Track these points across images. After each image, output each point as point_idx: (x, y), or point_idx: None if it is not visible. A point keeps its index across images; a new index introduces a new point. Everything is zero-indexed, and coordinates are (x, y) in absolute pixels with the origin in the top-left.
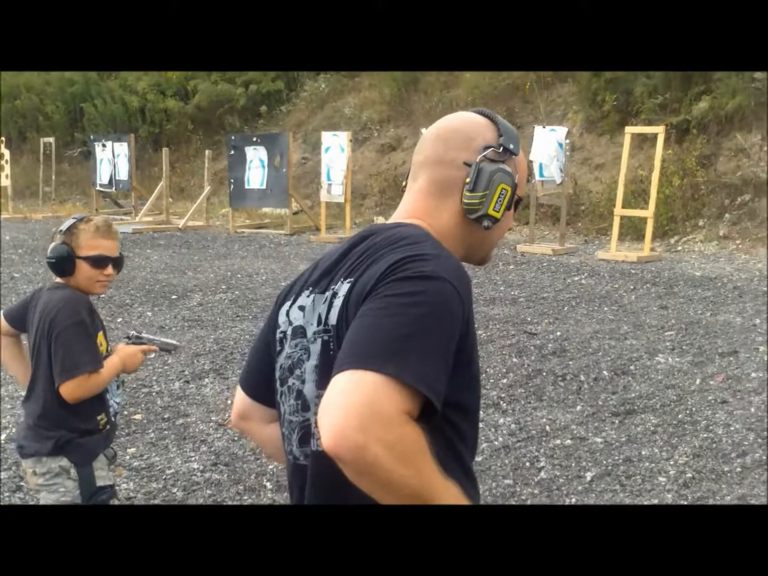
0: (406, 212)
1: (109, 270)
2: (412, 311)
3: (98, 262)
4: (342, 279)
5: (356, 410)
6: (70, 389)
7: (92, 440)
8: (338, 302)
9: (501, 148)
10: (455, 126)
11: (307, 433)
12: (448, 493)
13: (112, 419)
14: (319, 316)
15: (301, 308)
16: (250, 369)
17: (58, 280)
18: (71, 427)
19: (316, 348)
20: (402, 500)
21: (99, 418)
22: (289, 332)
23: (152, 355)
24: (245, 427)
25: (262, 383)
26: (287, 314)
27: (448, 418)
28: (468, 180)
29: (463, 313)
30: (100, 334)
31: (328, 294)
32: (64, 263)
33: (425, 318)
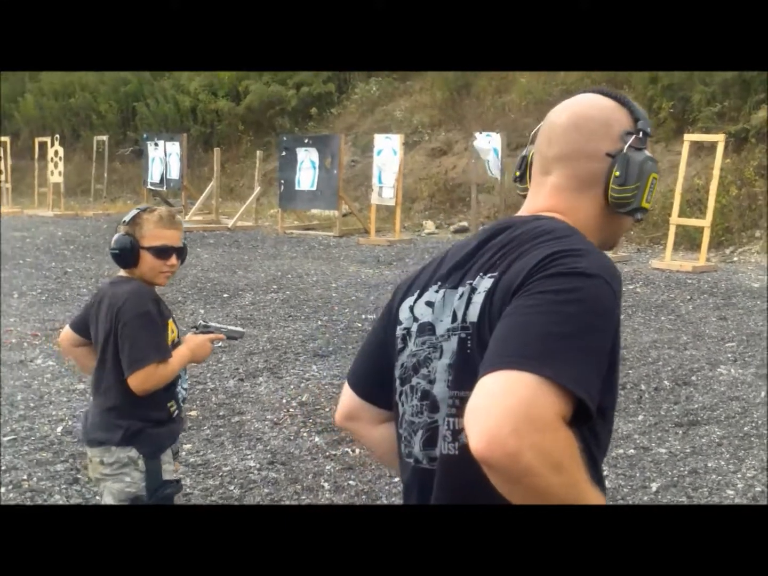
0: (541, 207)
1: (173, 260)
2: (568, 310)
3: (162, 252)
4: (481, 274)
5: (511, 414)
6: (139, 381)
7: (162, 432)
8: (479, 298)
9: (641, 133)
10: (590, 114)
11: (433, 435)
12: (594, 502)
13: (182, 406)
14: (454, 313)
15: (429, 304)
16: (360, 367)
17: (122, 273)
18: (142, 416)
19: (450, 346)
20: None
21: (170, 405)
22: (414, 329)
23: (219, 344)
24: (352, 428)
25: (374, 382)
26: (411, 310)
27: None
28: (617, 173)
29: (617, 312)
30: (170, 321)
31: (464, 289)
32: (128, 254)
33: (582, 317)
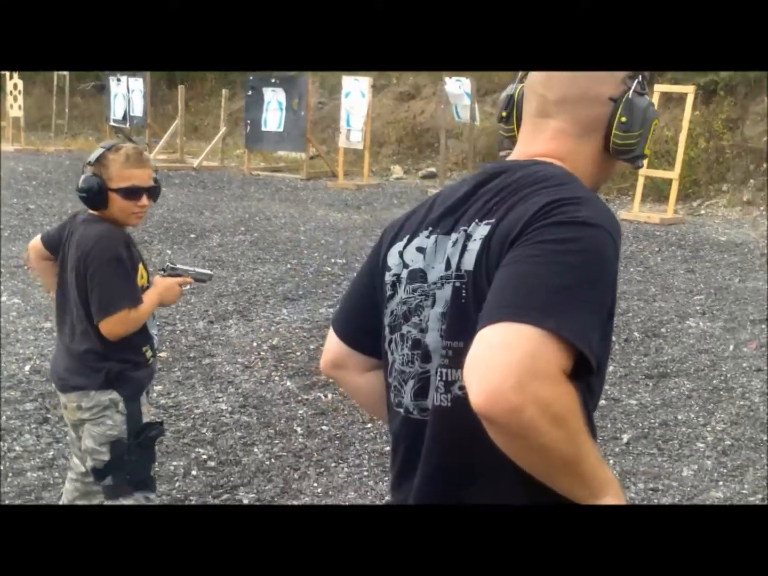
0: (539, 152)
1: (144, 201)
2: (570, 260)
3: (131, 193)
4: (477, 220)
5: (514, 368)
6: (110, 326)
7: (141, 374)
8: (474, 246)
9: (640, 76)
10: None
11: (425, 385)
12: (594, 458)
13: (155, 350)
14: (448, 260)
15: (420, 250)
16: (346, 314)
17: (90, 212)
18: (121, 358)
19: (443, 294)
20: (549, 463)
21: (144, 350)
22: (404, 275)
23: (187, 287)
24: (338, 376)
25: (360, 330)
26: (401, 256)
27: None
28: (623, 119)
29: (617, 262)
30: (140, 266)
31: (458, 236)
32: (96, 197)
33: (584, 268)
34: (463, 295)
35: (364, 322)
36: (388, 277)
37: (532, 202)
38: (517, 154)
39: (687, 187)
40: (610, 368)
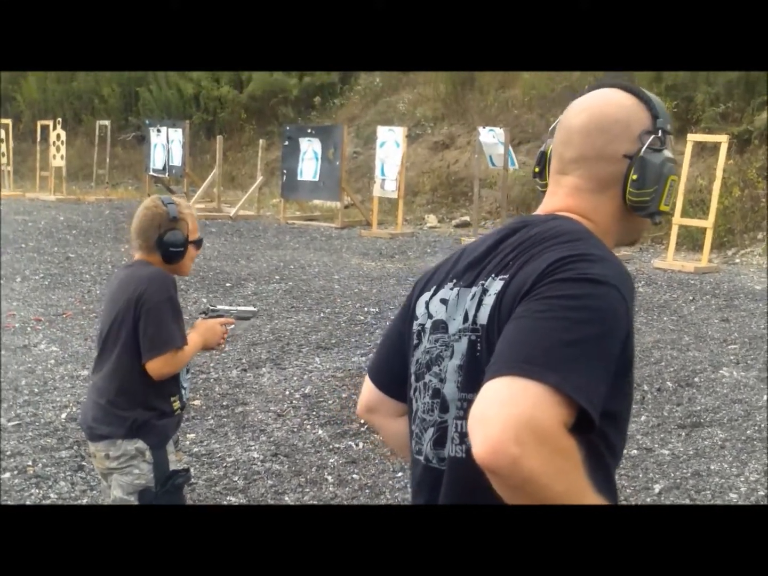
0: (558, 207)
1: (199, 250)
2: (576, 316)
3: (199, 244)
4: (493, 275)
5: (514, 422)
6: (159, 365)
7: (167, 422)
8: (489, 300)
9: (660, 132)
10: (607, 113)
11: (443, 435)
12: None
13: (184, 402)
14: (466, 313)
15: (443, 301)
16: (380, 360)
17: (137, 257)
18: (149, 405)
19: (460, 347)
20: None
21: (173, 399)
22: (428, 326)
23: (232, 326)
24: (372, 420)
25: (392, 375)
26: (426, 306)
27: (599, 427)
28: (634, 177)
29: (628, 321)
30: None
31: (476, 290)
32: (183, 251)
33: (590, 325)
34: (478, 348)
35: (396, 369)
36: (415, 326)
37: (543, 258)
38: (540, 209)
39: (722, 236)
40: (642, 418)
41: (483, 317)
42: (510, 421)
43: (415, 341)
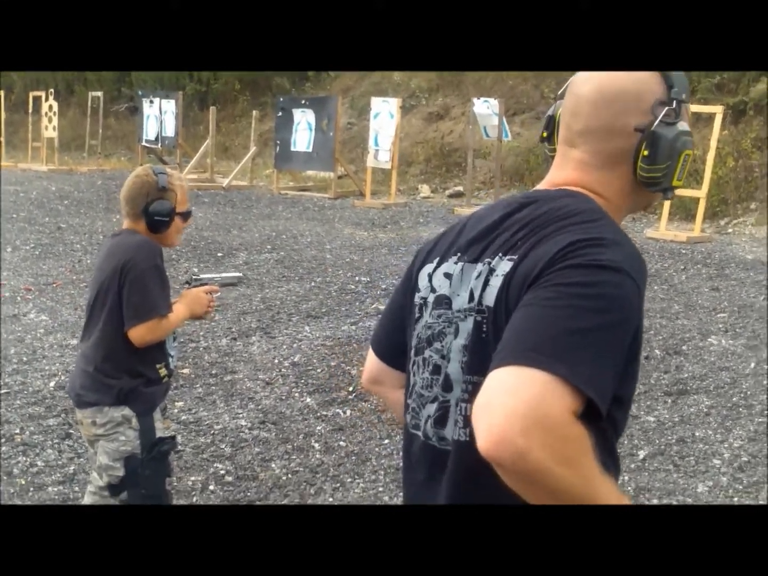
0: (567, 181)
1: (188, 222)
2: (586, 304)
3: (188, 216)
4: (501, 254)
5: (521, 413)
6: (142, 333)
7: (154, 390)
8: (497, 282)
9: (674, 103)
10: (618, 84)
11: (444, 414)
12: (608, 494)
13: (173, 369)
14: (471, 292)
15: (447, 275)
16: (382, 331)
17: (125, 226)
18: (135, 373)
19: (466, 326)
20: (561, 502)
21: (159, 367)
22: (430, 300)
23: (218, 294)
24: (377, 391)
25: (395, 347)
26: (429, 279)
27: (608, 413)
28: (646, 152)
29: (640, 307)
30: None
31: (482, 267)
32: (168, 221)
33: (601, 314)
34: (484, 329)
35: (399, 340)
36: (417, 299)
37: (554, 241)
38: (547, 181)
39: (715, 206)
40: None
41: (490, 299)
42: (516, 412)
43: (417, 314)
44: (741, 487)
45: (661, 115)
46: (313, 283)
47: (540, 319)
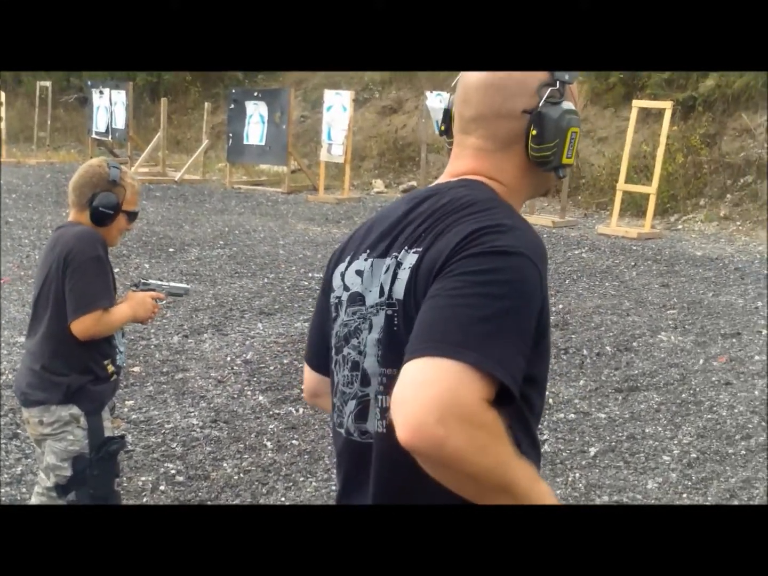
0: (465, 170)
1: (132, 225)
2: (490, 290)
3: (134, 217)
4: (407, 247)
5: (435, 403)
6: (84, 325)
7: (102, 388)
8: (404, 275)
9: (558, 83)
10: (505, 71)
11: (365, 408)
12: (524, 478)
13: (121, 366)
14: (381, 287)
15: (359, 273)
16: (312, 342)
17: (71, 219)
18: (84, 368)
19: (378, 321)
20: (481, 489)
21: (106, 363)
22: (344, 298)
23: (163, 302)
24: (319, 404)
25: (325, 354)
26: (342, 278)
27: (521, 392)
28: (534, 132)
29: (542, 288)
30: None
31: (390, 262)
32: (111, 215)
33: (504, 299)
34: (395, 323)
35: (327, 347)
36: (332, 299)
37: (455, 232)
38: (447, 172)
39: (665, 202)
40: (581, 382)
41: (399, 292)
42: (430, 402)
43: (334, 314)
44: (690, 483)
45: (545, 96)
46: (266, 280)
47: (446, 309)
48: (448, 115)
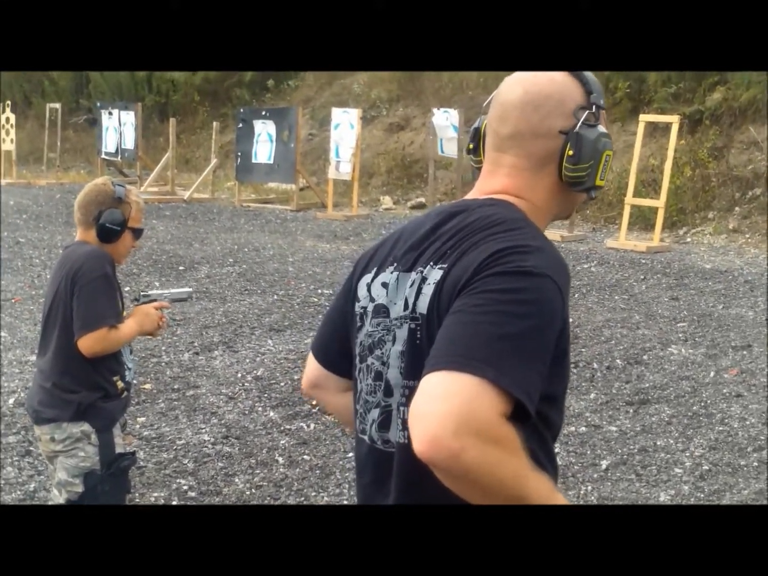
0: (497, 188)
1: (138, 242)
2: (512, 310)
3: (139, 234)
4: (432, 263)
5: (452, 416)
6: (90, 343)
7: (113, 405)
8: (428, 290)
9: (594, 107)
10: (542, 89)
11: (387, 418)
12: (540, 490)
13: (130, 382)
14: (406, 300)
15: (384, 285)
16: (323, 337)
17: (78, 238)
18: (94, 385)
19: (402, 334)
20: (496, 501)
21: (115, 379)
22: (370, 309)
23: (168, 310)
24: (317, 396)
25: (335, 352)
26: (368, 289)
27: (538, 410)
28: (570, 152)
29: (564, 310)
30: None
31: (415, 276)
32: (118, 232)
33: (526, 318)
34: (418, 336)
35: (339, 346)
36: (357, 309)
37: (481, 250)
38: (476, 190)
39: (673, 216)
40: (591, 395)
41: (422, 306)
42: (447, 415)
43: (358, 323)
44: (702, 495)
45: (583, 118)
46: (275, 296)
47: (468, 325)
48: (478, 134)
